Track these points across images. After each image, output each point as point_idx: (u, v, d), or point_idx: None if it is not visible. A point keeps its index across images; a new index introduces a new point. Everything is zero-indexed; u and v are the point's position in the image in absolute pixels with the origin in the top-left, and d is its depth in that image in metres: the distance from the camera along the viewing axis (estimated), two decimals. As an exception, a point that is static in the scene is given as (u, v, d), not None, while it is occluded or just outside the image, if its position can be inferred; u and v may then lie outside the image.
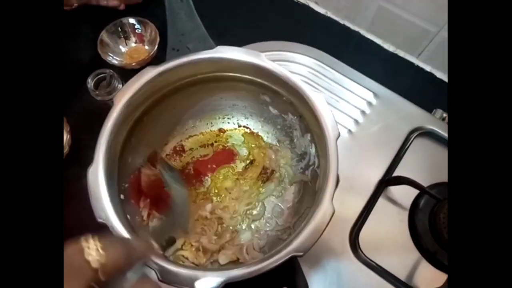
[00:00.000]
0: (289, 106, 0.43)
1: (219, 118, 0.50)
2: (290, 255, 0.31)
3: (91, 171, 0.33)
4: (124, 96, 0.36)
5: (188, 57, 0.38)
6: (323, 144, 0.36)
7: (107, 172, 0.34)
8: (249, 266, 0.30)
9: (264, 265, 0.30)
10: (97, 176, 0.33)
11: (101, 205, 0.32)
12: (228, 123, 0.50)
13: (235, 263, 0.41)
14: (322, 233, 0.31)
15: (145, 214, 0.40)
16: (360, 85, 0.57)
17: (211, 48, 0.39)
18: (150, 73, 0.37)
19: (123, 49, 0.60)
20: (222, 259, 0.41)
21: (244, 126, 0.50)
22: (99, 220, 0.31)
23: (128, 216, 0.39)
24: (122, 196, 0.39)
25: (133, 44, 0.61)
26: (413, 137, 0.54)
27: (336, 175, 0.33)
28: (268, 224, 0.45)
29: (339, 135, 0.35)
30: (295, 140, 0.47)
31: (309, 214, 0.33)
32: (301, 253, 0.31)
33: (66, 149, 0.51)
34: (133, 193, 0.42)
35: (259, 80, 0.41)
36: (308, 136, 0.44)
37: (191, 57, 0.38)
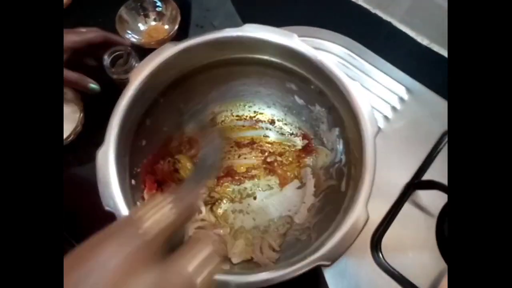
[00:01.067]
0: (317, 96, 0.39)
1: (240, 105, 0.46)
2: (315, 264, 0.26)
3: (101, 153, 0.29)
4: (141, 73, 0.32)
5: (213, 34, 0.33)
6: (356, 141, 0.31)
7: (119, 155, 0.30)
8: (268, 272, 0.26)
9: (285, 272, 0.26)
10: (107, 159, 0.29)
11: (110, 192, 0.28)
12: (249, 111, 0.46)
13: (249, 262, 0.37)
14: (353, 242, 0.27)
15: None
16: (392, 78, 0.52)
17: (238, 26, 0.34)
18: (171, 50, 0.33)
19: (142, 27, 0.56)
20: (235, 258, 0.37)
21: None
22: (107, 208, 0.28)
23: (138, 203, 0.36)
24: (133, 182, 0.36)
25: (153, 23, 0.57)
26: (446, 138, 0.48)
27: (373, 177, 0.29)
28: (285, 222, 0.41)
29: (378, 131, 0.30)
30: (320, 135, 0.42)
31: (338, 218, 0.29)
32: (329, 263, 0.26)
33: (79, 128, 0.48)
34: (146, 179, 0.38)
35: (288, 64, 0.36)
36: (336, 131, 0.39)
37: (216, 34, 0.33)
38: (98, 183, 0.28)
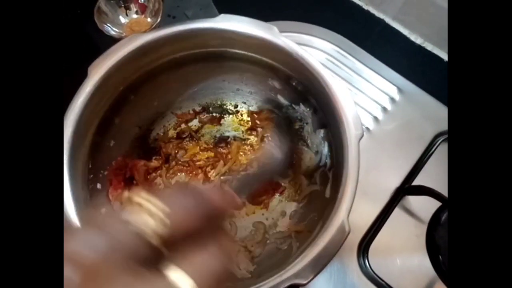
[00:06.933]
0: (301, 95, 0.35)
1: (220, 104, 0.42)
2: (289, 283, 0.23)
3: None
4: (102, 66, 0.28)
5: (184, 25, 0.29)
6: (341, 144, 0.28)
7: (73, 159, 0.26)
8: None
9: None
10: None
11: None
12: (230, 110, 0.42)
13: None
14: (332, 258, 0.24)
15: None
16: (383, 77, 0.48)
17: (214, 17, 0.30)
18: (136, 41, 0.29)
19: (123, 20, 0.52)
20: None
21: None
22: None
23: (103, 210, 0.32)
24: (98, 186, 0.32)
25: (135, 15, 0.52)
26: (439, 141, 0.45)
27: (355, 185, 0.25)
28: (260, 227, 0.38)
29: (362, 135, 0.27)
30: (305, 136, 0.39)
31: (317, 229, 0.26)
32: (304, 281, 0.23)
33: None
34: (112, 177, 0.34)
35: (268, 60, 0.32)
36: (321, 133, 0.36)
37: (188, 25, 0.30)
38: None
